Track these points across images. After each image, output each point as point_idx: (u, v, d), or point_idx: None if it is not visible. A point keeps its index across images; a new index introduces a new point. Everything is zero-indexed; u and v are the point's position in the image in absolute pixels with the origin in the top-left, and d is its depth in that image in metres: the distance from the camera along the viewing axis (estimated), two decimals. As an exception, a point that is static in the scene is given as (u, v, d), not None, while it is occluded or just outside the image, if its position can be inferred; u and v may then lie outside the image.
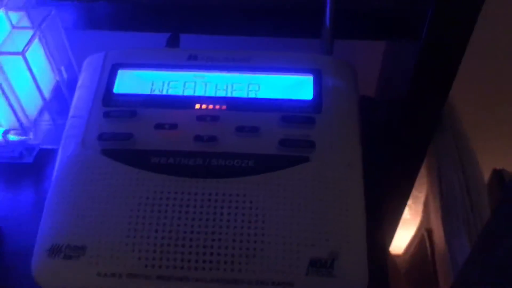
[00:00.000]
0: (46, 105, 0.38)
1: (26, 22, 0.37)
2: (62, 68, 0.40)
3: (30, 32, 0.37)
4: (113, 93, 0.35)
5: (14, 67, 0.35)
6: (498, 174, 0.50)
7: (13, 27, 0.35)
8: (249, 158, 0.32)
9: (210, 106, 0.34)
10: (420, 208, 0.60)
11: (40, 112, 0.40)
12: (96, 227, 0.30)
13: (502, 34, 0.46)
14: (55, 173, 0.33)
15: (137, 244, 0.30)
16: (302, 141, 0.32)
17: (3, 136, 0.38)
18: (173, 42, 0.42)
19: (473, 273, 0.27)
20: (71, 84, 0.41)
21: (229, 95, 0.35)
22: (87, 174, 0.32)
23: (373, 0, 0.38)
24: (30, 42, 0.34)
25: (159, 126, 0.33)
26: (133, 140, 0.33)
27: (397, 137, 0.41)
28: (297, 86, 0.36)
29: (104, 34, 0.48)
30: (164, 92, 0.35)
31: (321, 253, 0.29)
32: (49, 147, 0.42)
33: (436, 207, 0.44)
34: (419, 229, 0.63)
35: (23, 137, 0.38)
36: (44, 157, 0.43)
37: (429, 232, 0.56)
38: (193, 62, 0.36)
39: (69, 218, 0.31)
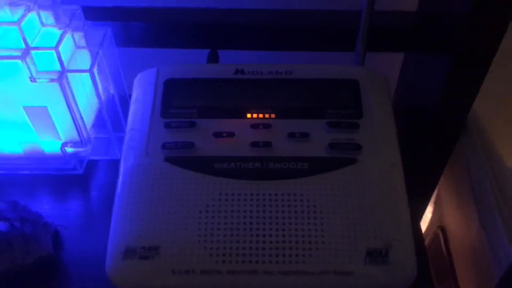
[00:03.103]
0: (101, 119, 0.40)
1: (82, 42, 0.39)
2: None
3: (84, 51, 0.39)
4: (170, 106, 0.38)
5: (77, 83, 0.38)
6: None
7: (77, 47, 0.38)
8: (302, 161, 0.35)
9: (261, 115, 0.38)
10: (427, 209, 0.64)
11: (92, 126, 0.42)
12: (168, 228, 0.33)
13: None
14: (119, 181, 0.36)
15: (208, 242, 0.32)
16: (349, 144, 0.36)
17: (60, 149, 0.40)
18: (213, 58, 0.45)
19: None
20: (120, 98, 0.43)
21: (276, 104, 0.38)
22: (154, 180, 0.35)
23: (404, 17, 0.42)
24: (95, 60, 0.36)
25: (217, 135, 0.36)
26: (194, 148, 0.36)
27: (418, 141, 0.44)
28: (338, 95, 0.39)
29: (135, 51, 0.50)
30: (217, 104, 0.38)
31: (377, 244, 0.32)
32: (95, 158, 0.45)
33: (460, 206, 0.48)
34: (428, 229, 0.66)
35: (80, 149, 0.40)
36: (89, 167, 0.46)
37: (442, 229, 0.60)
38: (240, 75, 0.39)
39: (141, 221, 0.33)
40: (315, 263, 0.32)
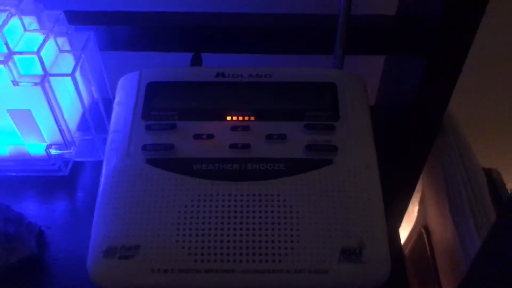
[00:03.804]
0: (86, 122, 0.41)
1: (66, 46, 0.40)
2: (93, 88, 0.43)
3: (68, 54, 0.40)
4: (151, 108, 0.39)
5: (59, 86, 0.39)
6: (487, 173, 0.55)
7: (60, 51, 0.39)
8: (280, 162, 0.36)
9: (240, 118, 0.38)
10: (412, 209, 0.65)
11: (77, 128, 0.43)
12: (148, 228, 0.34)
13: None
14: (101, 183, 0.36)
15: (187, 242, 0.33)
16: (325, 146, 0.37)
17: (45, 151, 0.41)
18: (196, 61, 0.46)
19: (484, 264, 0.32)
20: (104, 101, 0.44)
21: (255, 107, 0.39)
22: (135, 181, 0.36)
23: (383, 21, 0.43)
24: (77, 64, 0.37)
25: (197, 137, 0.37)
26: (174, 149, 0.36)
27: (397, 142, 0.45)
28: (315, 98, 0.40)
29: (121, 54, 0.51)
30: (198, 106, 0.39)
31: (350, 243, 0.33)
32: (80, 160, 0.46)
33: (438, 204, 0.49)
34: (414, 228, 0.67)
35: (64, 151, 0.41)
36: (74, 169, 0.46)
37: (426, 229, 0.61)
38: (221, 78, 0.40)
39: (122, 222, 0.34)
40: (291, 261, 0.33)
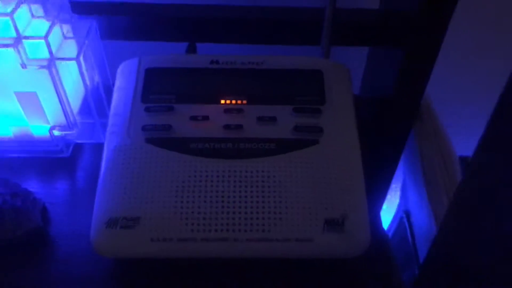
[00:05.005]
0: (86, 106, 0.44)
1: (69, 34, 0.43)
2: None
3: (71, 41, 0.43)
4: (150, 92, 0.41)
5: (64, 71, 0.41)
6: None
7: (64, 37, 0.41)
8: (270, 141, 0.39)
9: (233, 101, 0.41)
10: (394, 196, 0.68)
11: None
12: (147, 201, 0.36)
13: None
14: (104, 160, 0.39)
15: (184, 213, 0.36)
16: (312, 127, 0.40)
17: (49, 132, 0.43)
18: (191, 50, 0.49)
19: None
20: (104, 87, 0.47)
21: (247, 92, 0.42)
22: (135, 159, 0.38)
23: (366, 15, 0.46)
24: (81, 49, 0.40)
25: (193, 118, 0.40)
26: (172, 130, 0.39)
27: (380, 129, 0.48)
28: (303, 84, 0.43)
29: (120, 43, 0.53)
30: (194, 91, 0.42)
31: (334, 214, 0.36)
32: (81, 141, 0.48)
33: (418, 189, 0.52)
34: (396, 214, 0.70)
35: (67, 132, 0.43)
36: (75, 150, 0.49)
37: (407, 214, 0.64)
38: (216, 65, 0.43)
39: (123, 195, 0.37)
40: (279, 231, 0.36)
